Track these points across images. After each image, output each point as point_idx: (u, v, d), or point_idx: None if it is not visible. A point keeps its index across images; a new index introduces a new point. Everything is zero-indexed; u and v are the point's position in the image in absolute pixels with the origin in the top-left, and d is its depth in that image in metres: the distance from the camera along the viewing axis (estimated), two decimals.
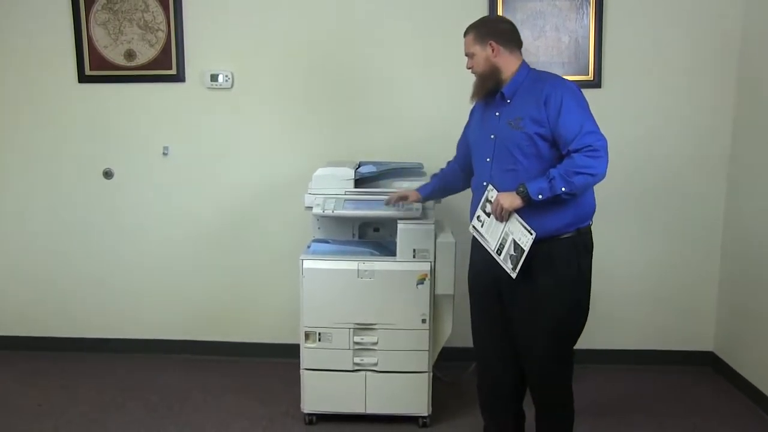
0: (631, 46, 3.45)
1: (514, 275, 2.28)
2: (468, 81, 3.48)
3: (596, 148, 2.22)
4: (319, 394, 2.96)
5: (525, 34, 2.83)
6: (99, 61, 3.60)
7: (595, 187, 2.34)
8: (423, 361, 2.92)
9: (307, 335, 2.92)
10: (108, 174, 3.69)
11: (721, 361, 3.55)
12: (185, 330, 3.78)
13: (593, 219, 2.43)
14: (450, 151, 3.43)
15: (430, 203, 2.95)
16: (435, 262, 2.89)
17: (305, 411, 3.00)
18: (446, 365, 3.28)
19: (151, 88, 3.61)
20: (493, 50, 2.39)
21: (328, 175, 2.99)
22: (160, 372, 3.58)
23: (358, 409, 2.96)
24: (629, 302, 3.61)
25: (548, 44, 3.43)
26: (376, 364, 2.93)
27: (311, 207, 2.93)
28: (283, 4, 3.52)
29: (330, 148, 3.53)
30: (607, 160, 2.24)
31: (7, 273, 3.82)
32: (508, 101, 2.39)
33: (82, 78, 3.62)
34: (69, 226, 3.75)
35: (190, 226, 3.71)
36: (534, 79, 2.39)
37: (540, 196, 2.24)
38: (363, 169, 3.05)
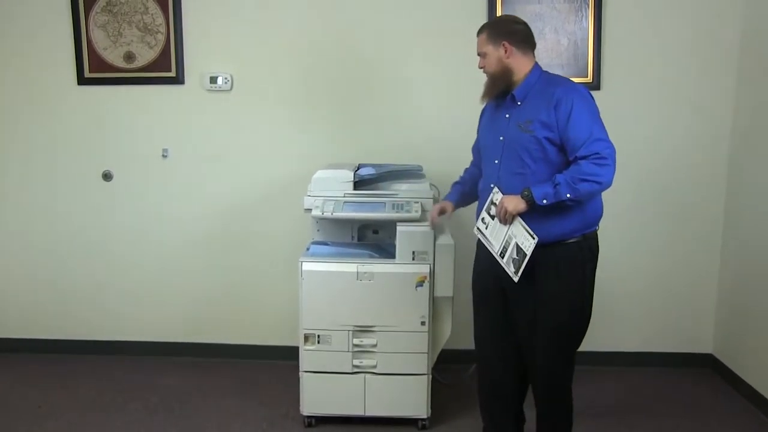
0: (630, 48, 3.45)
1: (516, 279, 2.28)
2: (467, 83, 3.47)
3: (604, 156, 2.21)
4: (318, 396, 2.96)
5: None
6: (98, 63, 3.60)
7: None
8: (422, 364, 2.92)
9: (306, 337, 2.92)
10: (107, 176, 3.70)
11: (721, 364, 3.55)
12: (185, 332, 3.78)
13: (600, 224, 2.42)
14: (450, 152, 3.44)
15: (429, 205, 2.95)
16: (434, 264, 2.89)
17: (304, 413, 3.00)
18: (445, 367, 3.28)
19: (151, 90, 3.61)
20: (506, 51, 2.37)
21: (327, 177, 2.99)
22: (160, 374, 3.58)
23: (357, 411, 2.96)
24: (629, 304, 3.61)
25: (547, 46, 3.43)
26: (375, 367, 2.93)
27: (310, 209, 2.93)
28: (283, 7, 3.52)
29: (329, 151, 3.53)
30: (614, 169, 2.23)
31: (7, 275, 3.82)
32: (519, 103, 2.37)
33: (82, 80, 3.62)
34: (68, 228, 3.75)
35: (189, 228, 3.71)
36: (546, 82, 2.37)
37: (544, 201, 2.23)
38: (362, 172, 3.05)
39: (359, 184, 3.01)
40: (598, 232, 2.43)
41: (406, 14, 3.49)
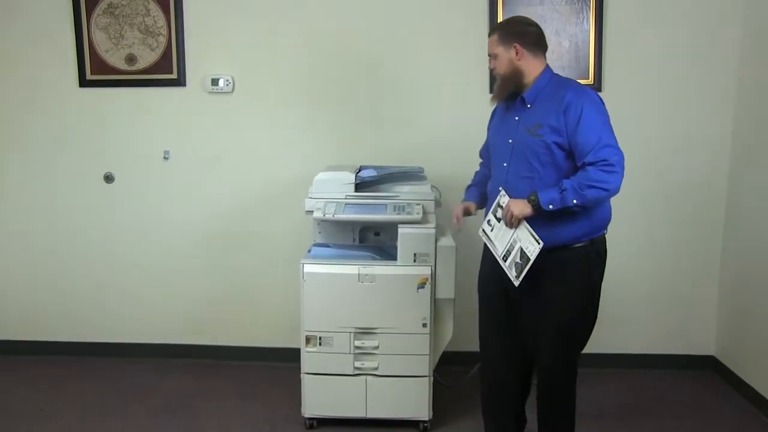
0: (632, 50, 3.45)
1: (517, 283, 2.28)
2: (469, 84, 3.49)
3: (612, 163, 2.20)
4: (319, 398, 2.96)
5: None
6: (100, 65, 3.60)
7: None
8: (424, 365, 2.92)
9: (307, 339, 2.92)
10: (109, 178, 3.70)
11: (722, 365, 3.55)
12: (186, 334, 3.77)
13: (608, 228, 2.42)
14: (451, 153, 3.45)
15: (430, 207, 2.95)
16: (435, 266, 2.89)
17: (306, 415, 2.99)
18: (447, 369, 3.28)
19: (152, 92, 3.62)
20: (516, 53, 2.36)
21: (328, 179, 2.99)
22: (161, 376, 3.58)
23: (358, 413, 2.95)
24: (631, 307, 3.61)
25: (549, 48, 3.37)
26: (376, 368, 2.92)
27: (312, 211, 2.93)
28: (284, 9, 3.52)
29: (330, 153, 3.54)
30: (623, 176, 2.22)
31: (8, 276, 3.82)
32: (529, 106, 2.36)
33: (83, 82, 3.62)
34: (70, 230, 3.75)
35: (190, 230, 3.71)
36: (556, 85, 2.36)
37: (551, 206, 2.22)
38: (363, 174, 3.05)
39: (360, 186, 3.01)
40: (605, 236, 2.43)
41: (408, 16, 3.49)
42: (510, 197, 2.31)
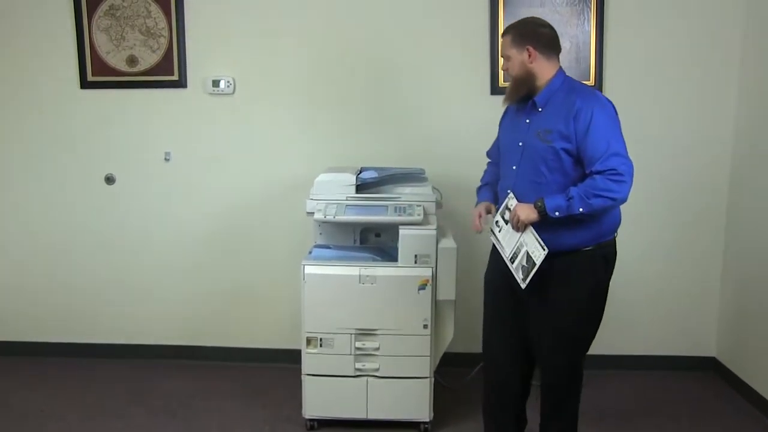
0: (633, 50, 3.45)
1: (523, 286, 2.29)
2: (470, 85, 3.49)
3: (620, 173, 2.19)
4: (320, 399, 2.96)
5: None
6: (101, 66, 3.60)
7: None
8: (424, 367, 2.92)
9: (308, 341, 2.92)
10: (110, 179, 3.70)
11: (724, 367, 3.54)
12: (187, 335, 3.77)
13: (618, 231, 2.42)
14: (452, 155, 3.45)
15: (431, 209, 2.95)
16: (436, 267, 2.88)
17: (306, 416, 2.99)
18: (448, 371, 3.27)
19: (153, 93, 3.62)
20: (529, 55, 2.34)
21: (329, 180, 2.99)
22: (162, 377, 3.58)
23: (359, 414, 2.95)
24: (632, 308, 3.60)
25: None
26: (377, 370, 2.92)
27: (313, 212, 2.93)
28: (285, 10, 3.53)
29: (331, 154, 3.54)
30: (631, 185, 2.21)
31: (9, 277, 3.82)
32: (540, 110, 2.35)
33: (84, 84, 3.62)
34: (71, 232, 3.75)
35: (191, 232, 3.71)
36: (568, 89, 2.34)
37: (557, 213, 2.22)
38: (364, 175, 3.05)
39: (361, 187, 3.01)
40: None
41: (408, 16, 3.49)
42: (518, 201, 2.31)
